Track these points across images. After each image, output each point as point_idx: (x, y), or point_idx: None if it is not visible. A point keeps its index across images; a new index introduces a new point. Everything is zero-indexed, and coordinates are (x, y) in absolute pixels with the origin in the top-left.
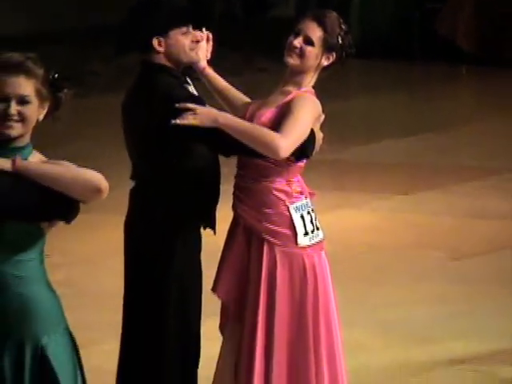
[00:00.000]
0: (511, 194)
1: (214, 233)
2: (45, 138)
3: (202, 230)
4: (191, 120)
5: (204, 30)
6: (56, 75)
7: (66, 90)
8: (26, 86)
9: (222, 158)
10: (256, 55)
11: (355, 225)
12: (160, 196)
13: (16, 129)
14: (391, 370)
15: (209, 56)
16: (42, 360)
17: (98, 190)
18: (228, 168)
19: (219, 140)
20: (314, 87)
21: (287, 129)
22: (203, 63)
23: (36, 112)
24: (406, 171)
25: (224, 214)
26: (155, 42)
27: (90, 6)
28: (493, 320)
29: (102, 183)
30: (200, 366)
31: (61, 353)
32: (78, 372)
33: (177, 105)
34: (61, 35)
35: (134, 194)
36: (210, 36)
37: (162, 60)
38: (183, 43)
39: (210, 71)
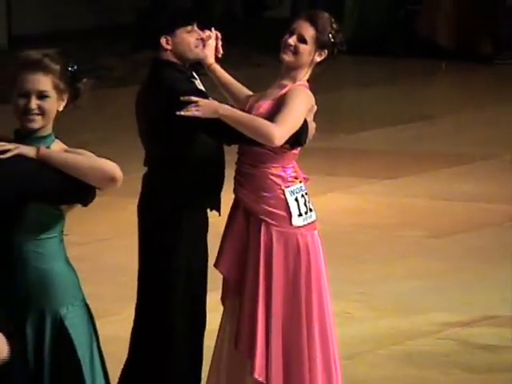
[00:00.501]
0: (484, 179)
1: (219, 214)
2: (66, 127)
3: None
4: (194, 111)
5: (213, 29)
6: (74, 67)
7: (84, 80)
8: (44, 82)
9: (226, 147)
10: (254, 52)
11: (344, 207)
12: (169, 182)
13: (37, 122)
14: (377, 338)
15: (220, 54)
16: (60, 329)
17: (112, 179)
18: (230, 155)
19: (220, 130)
20: (308, 81)
21: (282, 119)
22: (211, 60)
23: (55, 105)
24: (391, 158)
25: (226, 198)
26: (163, 40)
27: (103, 7)
28: (470, 292)
29: (117, 173)
30: None
31: (78, 323)
32: (94, 341)
33: (181, 98)
34: (77, 34)
35: (146, 179)
36: (219, 35)
37: (169, 57)
38: (188, 41)
39: (216, 67)
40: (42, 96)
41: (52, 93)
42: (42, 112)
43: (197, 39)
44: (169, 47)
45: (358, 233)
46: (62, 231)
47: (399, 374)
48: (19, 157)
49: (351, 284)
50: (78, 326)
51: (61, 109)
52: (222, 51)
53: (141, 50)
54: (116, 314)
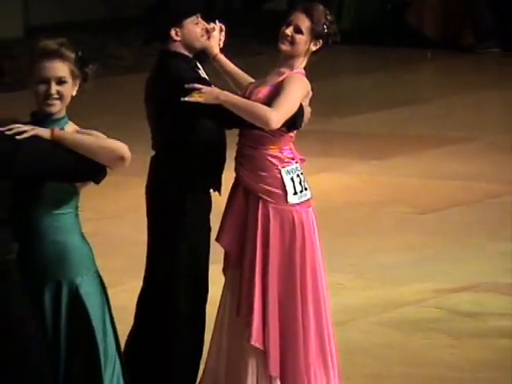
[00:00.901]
0: (468, 159)
1: (220, 194)
2: (77, 111)
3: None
4: (198, 98)
5: (217, 22)
6: (80, 53)
7: (90, 66)
8: (62, 69)
9: (227, 131)
10: (254, 41)
11: (338, 185)
12: (174, 166)
13: (56, 106)
14: (367, 307)
15: (221, 44)
16: (75, 298)
17: (121, 158)
18: (231, 137)
19: (221, 114)
20: (305, 69)
21: (278, 103)
22: (216, 50)
23: (71, 89)
24: (381, 140)
25: (227, 177)
26: (173, 32)
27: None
28: (453, 264)
29: (126, 153)
30: None
31: (91, 292)
32: (106, 309)
33: (186, 85)
34: (88, 25)
35: (153, 162)
36: (223, 27)
37: (178, 47)
38: (195, 31)
39: (221, 57)
40: (60, 82)
41: (69, 79)
42: (61, 96)
43: (202, 29)
44: (178, 38)
45: (350, 209)
46: (77, 207)
47: (387, 339)
48: (35, 138)
49: (344, 257)
50: (92, 295)
51: (74, 93)
52: (221, 44)
53: (151, 43)
54: (125, 285)
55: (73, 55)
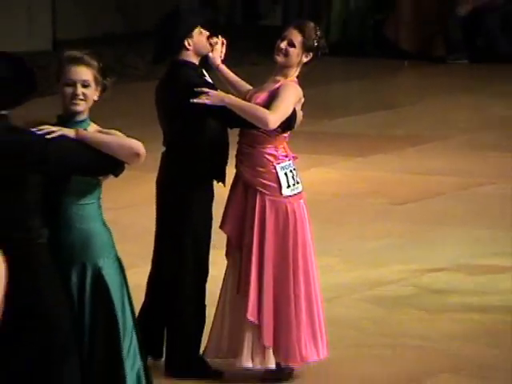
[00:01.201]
0: (439, 156)
1: (224, 186)
2: (99, 114)
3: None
4: (205, 100)
5: (219, 36)
6: (101, 64)
7: (109, 78)
8: (86, 74)
9: (229, 132)
10: (252, 53)
11: (326, 180)
12: (182, 159)
13: (81, 105)
14: (352, 285)
15: (223, 56)
16: (98, 277)
17: (137, 155)
18: (232, 137)
19: (225, 115)
20: (297, 77)
21: (275, 107)
22: (218, 61)
23: (93, 93)
24: (365, 139)
25: (229, 172)
26: (186, 42)
27: (128, 15)
28: (426, 248)
29: (141, 150)
30: (209, 282)
31: (112, 273)
32: (124, 287)
33: (195, 89)
34: (108, 38)
35: (164, 157)
36: (224, 41)
37: (188, 56)
38: (202, 40)
39: (223, 67)
40: (85, 85)
41: (92, 83)
42: (85, 98)
43: (206, 37)
44: (190, 48)
45: (337, 201)
46: (99, 197)
47: (369, 314)
48: (62, 137)
49: (331, 242)
50: (112, 275)
51: (96, 98)
52: (223, 55)
53: (164, 59)
54: (139, 267)
55: (96, 63)
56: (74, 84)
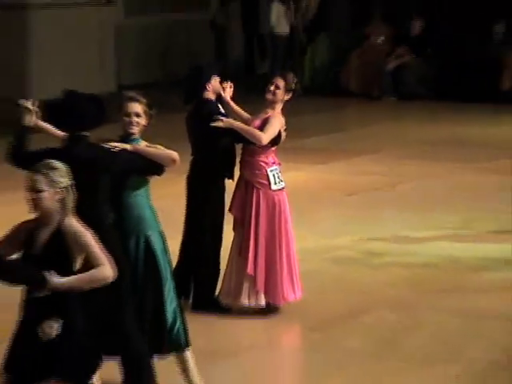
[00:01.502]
0: (376, 163)
1: (233, 181)
2: (148, 134)
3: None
4: (220, 124)
5: (229, 81)
6: (148, 102)
7: (153, 110)
8: (138, 108)
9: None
10: (252, 94)
11: (297, 180)
12: (204, 164)
13: (134, 130)
14: (316, 250)
15: (231, 94)
16: (148, 244)
17: (173, 161)
18: (237, 150)
19: (233, 135)
20: (282, 110)
21: (266, 130)
22: (228, 98)
23: (144, 121)
24: (325, 152)
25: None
26: (207, 86)
27: (166, 65)
28: (371, 225)
29: (176, 158)
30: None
31: (157, 241)
32: (165, 251)
33: (214, 117)
34: (155, 83)
35: (192, 163)
36: (232, 85)
37: (209, 95)
38: (217, 84)
39: (231, 102)
40: (137, 115)
41: (142, 114)
42: (137, 124)
43: (219, 82)
44: (210, 89)
45: (306, 194)
46: (148, 190)
47: (328, 269)
48: (123, 150)
49: (303, 221)
50: (157, 243)
51: (145, 124)
52: (231, 93)
53: (192, 101)
54: (175, 238)
55: (144, 100)
56: (129, 115)
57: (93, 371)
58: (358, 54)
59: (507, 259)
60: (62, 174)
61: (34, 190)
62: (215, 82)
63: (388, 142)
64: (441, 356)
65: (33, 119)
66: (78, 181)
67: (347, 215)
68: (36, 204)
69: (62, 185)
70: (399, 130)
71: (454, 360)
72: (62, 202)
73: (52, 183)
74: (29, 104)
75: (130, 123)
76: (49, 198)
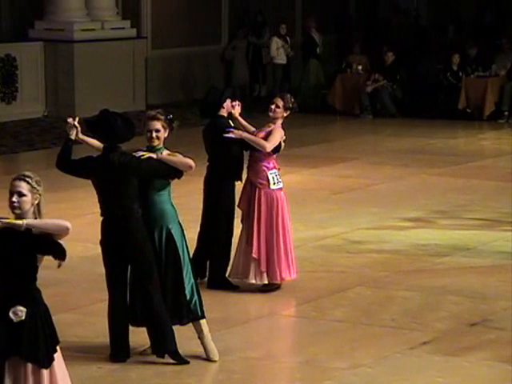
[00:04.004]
0: (356, 168)
1: (241, 182)
2: (169, 144)
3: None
4: (231, 135)
5: (237, 101)
6: (171, 117)
7: (174, 123)
8: (157, 124)
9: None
10: (256, 111)
11: (293, 181)
12: (218, 168)
13: (155, 142)
14: (308, 238)
15: (240, 111)
16: (169, 234)
17: (190, 167)
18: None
19: (242, 143)
20: (282, 124)
21: (269, 140)
22: (237, 115)
23: (164, 134)
24: (316, 159)
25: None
26: (224, 105)
27: (185, 87)
28: (352, 218)
29: (193, 164)
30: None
31: (177, 232)
32: (184, 239)
33: (226, 129)
34: (175, 102)
35: (208, 167)
36: (240, 103)
37: (222, 112)
38: (229, 104)
39: (240, 118)
40: (157, 130)
41: (161, 129)
42: (158, 137)
43: (231, 102)
44: (224, 107)
45: (300, 192)
46: (169, 190)
47: (317, 254)
48: (149, 158)
49: (298, 215)
50: (177, 233)
51: (166, 136)
52: (240, 110)
53: (208, 116)
54: (193, 228)
55: (163, 117)
56: (151, 131)
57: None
58: (341, 78)
59: (462, 246)
60: (38, 183)
61: (19, 194)
62: (228, 102)
63: (365, 151)
64: (409, 325)
65: (76, 133)
66: (113, 182)
67: (333, 210)
68: (19, 206)
69: (39, 192)
70: (374, 142)
71: (420, 328)
72: (38, 205)
73: (32, 189)
74: (73, 121)
75: (151, 138)
76: (28, 201)
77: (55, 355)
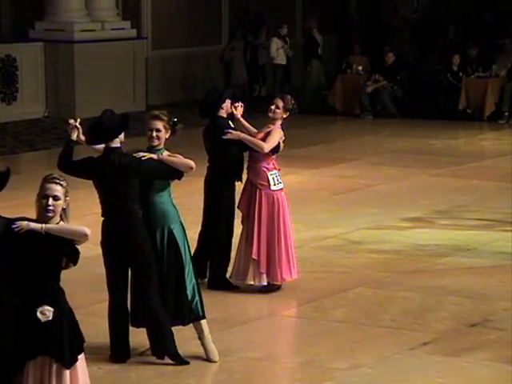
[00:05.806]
0: (355, 168)
1: (241, 182)
2: (170, 145)
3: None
4: (230, 136)
5: (239, 102)
6: (175, 119)
7: (178, 126)
8: (159, 124)
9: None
10: (257, 112)
11: (294, 181)
12: (218, 168)
13: (155, 142)
14: (309, 239)
15: (241, 112)
16: (171, 234)
17: (191, 168)
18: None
19: (241, 144)
20: (281, 125)
21: (268, 141)
22: (239, 116)
23: (164, 135)
24: (316, 159)
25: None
26: (223, 106)
27: (186, 87)
28: (351, 219)
29: (193, 165)
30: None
31: (179, 231)
32: (185, 239)
33: (225, 130)
34: (175, 103)
35: (208, 168)
36: (242, 104)
37: (222, 113)
38: (228, 104)
39: (242, 119)
40: (158, 130)
41: (163, 129)
42: (159, 138)
43: (231, 103)
44: (224, 107)
45: (300, 193)
46: (170, 191)
47: (318, 255)
48: (150, 159)
49: (298, 215)
50: (179, 233)
51: (167, 137)
52: (242, 111)
53: (208, 116)
54: (194, 228)
55: (164, 118)
56: (151, 130)
57: (79, 352)
58: (342, 79)
59: (462, 246)
60: (67, 188)
61: (54, 197)
62: (227, 103)
63: (365, 151)
64: (409, 325)
65: (77, 134)
66: (114, 183)
67: (333, 210)
68: (53, 210)
69: (68, 197)
70: (374, 142)
71: (420, 329)
72: (64, 209)
73: (66, 193)
74: (74, 122)
75: (151, 137)
76: (61, 205)
77: (79, 356)
